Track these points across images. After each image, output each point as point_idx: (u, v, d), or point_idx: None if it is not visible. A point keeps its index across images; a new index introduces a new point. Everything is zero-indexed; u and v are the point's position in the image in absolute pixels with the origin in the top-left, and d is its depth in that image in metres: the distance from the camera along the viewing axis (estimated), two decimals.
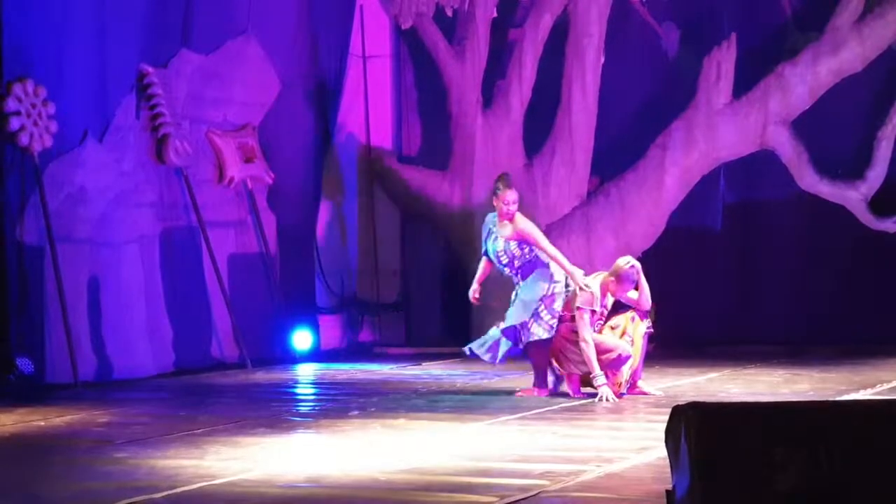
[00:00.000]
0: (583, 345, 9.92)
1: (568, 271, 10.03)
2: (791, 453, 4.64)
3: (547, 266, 10.11)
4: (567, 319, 10.05)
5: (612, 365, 9.98)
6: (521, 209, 14.51)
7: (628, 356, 10.01)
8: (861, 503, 4.62)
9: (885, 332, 13.84)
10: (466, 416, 9.09)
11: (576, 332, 9.94)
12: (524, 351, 10.25)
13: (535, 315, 10.06)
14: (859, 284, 14.47)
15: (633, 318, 10.16)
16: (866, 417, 4.79)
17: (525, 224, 10.20)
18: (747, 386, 10.84)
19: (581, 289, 9.94)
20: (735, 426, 4.76)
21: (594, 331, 10.02)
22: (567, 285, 10.09)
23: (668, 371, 11.72)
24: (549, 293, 10.07)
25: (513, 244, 10.20)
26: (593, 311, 10.00)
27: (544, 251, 10.10)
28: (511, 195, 10.21)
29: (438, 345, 15.12)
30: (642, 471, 6.86)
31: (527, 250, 10.15)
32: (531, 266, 10.16)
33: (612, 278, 10.05)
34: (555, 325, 10.05)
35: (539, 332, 10.08)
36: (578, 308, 9.94)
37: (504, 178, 10.32)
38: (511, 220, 10.21)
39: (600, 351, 9.96)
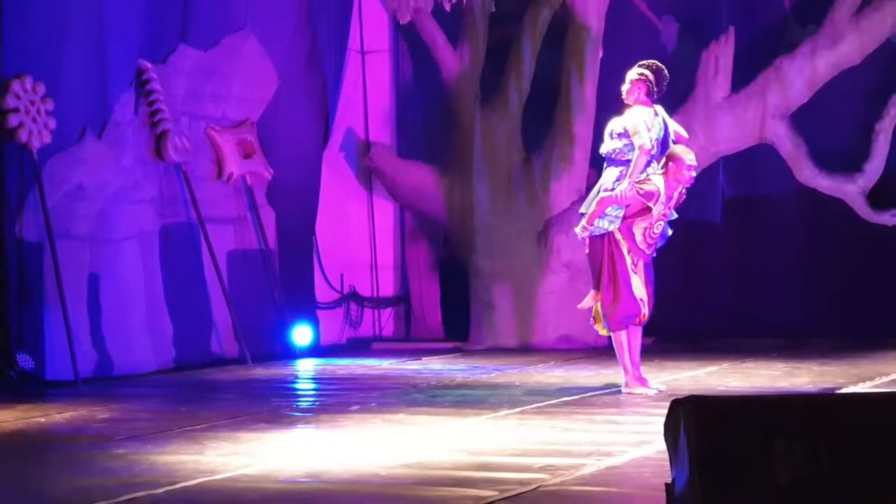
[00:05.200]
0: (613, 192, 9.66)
1: (632, 174, 9.57)
2: (791, 446, 4.65)
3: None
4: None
5: (639, 213, 9.73)
6: (521, 205, 14.66)
7: (657, 195, 9.70)
8: (860, 495, 4.62)
9: (883, 325, 13.84)
10: (466, 411, 9.10)
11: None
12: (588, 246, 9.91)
13: (602, 210, 9.71)
14: (858, 277, 14.48)
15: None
16: (865, 410, 4.80)
17: (633, 118, 9.66)
18: (746, 379, 10.85)
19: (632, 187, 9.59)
20: (734, 419, 4.76)
21: (634, 265, 9.80)
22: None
23: (667, 365, 11.73)
24: (612, 187, 9.70)
25: (619, 129, 9.76)
26: (649, 209, 9.64)
27: (635, 150, 9.60)
28: (627, 76, 9.86)
29: (438, 340, 15.16)
30: (641, 464, 6.87)
31: (624, 143, 9.70)
32: (620, 162, 9.74)
33: (671, 162, 9.70)
34: (619, 217, 9.69)
35: (604, 224, 9.74)
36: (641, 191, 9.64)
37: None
38: (630, 104, 9.83)
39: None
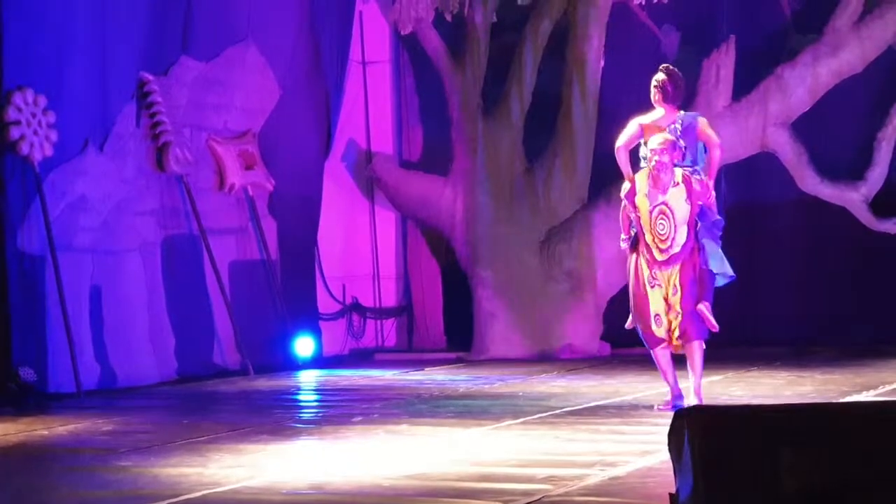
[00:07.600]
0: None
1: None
2: (794, 455, 4.64)
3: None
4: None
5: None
6: (523, 215, 14.65)
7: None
8: None
9: (887, 334, 13.83)
10: (469, 421, 9.09)
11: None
12: None
13: (627, 222, 9.66)
14: (861, 286, 14.46)
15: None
16: (869, 419, 4.79)
17: (628, 126, 9.76)
18: (750, 388, 10.84)
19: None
20: (738, 429, 4.76)
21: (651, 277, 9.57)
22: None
23: None
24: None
25: None
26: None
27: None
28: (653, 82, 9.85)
29: (440, 350, 15.15)
30: (646, 475, 6.85)
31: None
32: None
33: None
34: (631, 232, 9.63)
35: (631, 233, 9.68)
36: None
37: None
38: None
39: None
